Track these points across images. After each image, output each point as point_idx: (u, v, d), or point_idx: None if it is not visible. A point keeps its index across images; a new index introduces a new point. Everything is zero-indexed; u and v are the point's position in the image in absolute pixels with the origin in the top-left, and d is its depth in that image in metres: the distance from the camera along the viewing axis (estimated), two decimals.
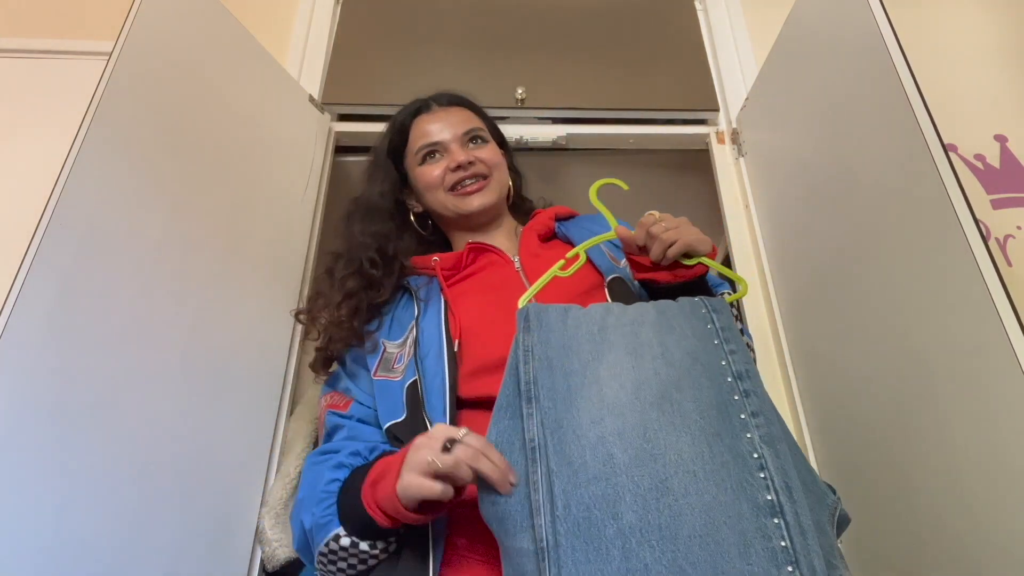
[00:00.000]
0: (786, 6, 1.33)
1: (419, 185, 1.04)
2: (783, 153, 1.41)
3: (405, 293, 0.99)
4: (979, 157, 1.56)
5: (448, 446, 0.65)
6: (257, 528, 1.04)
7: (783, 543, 0.57)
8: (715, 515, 0.58)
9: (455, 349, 0.86)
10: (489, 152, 1.03)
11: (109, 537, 0.82)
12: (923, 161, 0.90)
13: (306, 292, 1.24)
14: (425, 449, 0.66)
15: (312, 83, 1.61)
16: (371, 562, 0.77)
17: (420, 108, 1.07)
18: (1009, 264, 1.43)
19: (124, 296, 0.92)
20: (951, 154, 0.88)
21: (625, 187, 0.91)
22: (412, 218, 1.08)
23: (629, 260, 0.89)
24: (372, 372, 0.92)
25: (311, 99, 1.52)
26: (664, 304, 0.76)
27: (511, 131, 1.60)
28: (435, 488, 0.64)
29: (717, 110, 1.68)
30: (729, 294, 0.92)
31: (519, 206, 1.16)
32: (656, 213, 0.85)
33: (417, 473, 0.65)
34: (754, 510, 0.59)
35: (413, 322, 0.92)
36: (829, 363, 1.22)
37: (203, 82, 1.16)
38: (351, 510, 0.75)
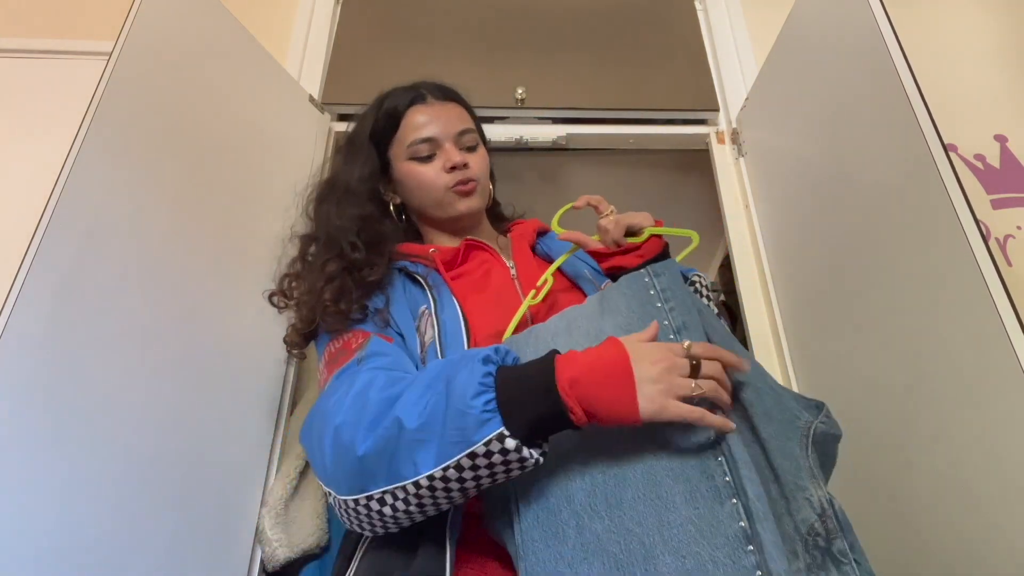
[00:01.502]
0: (786, 6, 1.33)
1: (407, 179, 1.00)
2: (783, 153, 1.41)
3: (401, 275, 0.94)
4: (979, 157, 1.56)
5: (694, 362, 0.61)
6: (257, 528, 1.04)
7: (726, 478, 0.59)
8: (656, 470, 0.60)
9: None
10: (479, 159, 1.02)
11: (109, 537, 0.82)
12: (923, 161, 0.90)
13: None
14: (675, 372, 0.61)
15: (312, 83, 1.61)
16: (513, 473, 0.63)
17: (415, 98, 1.01)
18: (1009, 264, 1.43)
19: (124, 296, 0.92)
20: (951, 154, 0.88)
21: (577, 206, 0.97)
22: (391, 208, 1.03)
23: (592, 256, 0.95)
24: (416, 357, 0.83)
25: (311, 99, 1.52)
26: (608, 290, 0.78)
27: (511, 131, 1.60)
28: (697, 414, 0.60)
29: (717, 110, 1.68)
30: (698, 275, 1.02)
31: (492, 210, 1.15)
32: (596, 198, 0.94)
33: (675, 397, 0.60)
34: (697, 453, 0.61)
35: (426, 309, 0.86)
36: (829, 363, 1.22)
37: (203, 82, 1.16)
38: (526, 406, 0.61)
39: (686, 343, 0.64)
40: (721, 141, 1.65)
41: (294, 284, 0.95)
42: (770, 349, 1.40)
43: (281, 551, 1.00)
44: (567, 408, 0.60)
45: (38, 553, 0.74)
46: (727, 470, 0.60)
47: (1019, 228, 1.48)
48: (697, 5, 1.84)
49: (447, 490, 0.63)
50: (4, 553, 0.70)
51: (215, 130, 1.17)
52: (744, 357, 0.68)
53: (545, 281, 0.88)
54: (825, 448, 0.68)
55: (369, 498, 0.66)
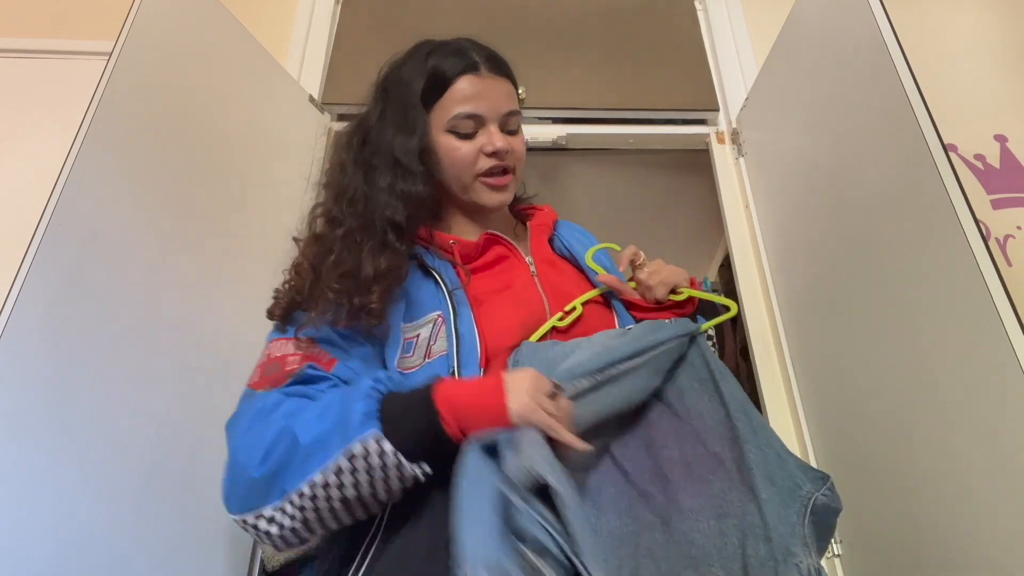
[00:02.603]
0: (786, 6, 1.33)
1: (440, 151, 0.89)
2: (783, 153, 1.41)
3: (414, 266, 0.87)
4: (979, 157, 1.56)
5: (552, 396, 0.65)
6: None
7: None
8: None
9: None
10: (520, 144, 0.92)
11: (109, 536, 0.82)
12: (923, 161, 0.90)
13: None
14: (539, 392, 0.65)
15: (312, 83, 1.61)
16: (383, 482, 0.63)
17: (468, 66, 0.88)
18: (1009, 264, 1.43)
19: (124, 296, 0.92)
20: (951, 154, 0.88)
21: (618, 248, 0.94)
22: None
23: (626, 305, 0.91)
24: (392, 363, 0.79)
25: (311, 99, 1.52)
26: (641, 332, 0.79)
27: None
28: (554, 425, 0.63)
29: (717, 110, 1.68)
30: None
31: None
32: (634, 250, 0.89)
33: (538, 407, 0.63)
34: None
35: (441, 316, 0.80)
36: (829, 363, 1.22)
37: (203, 82, 1.16)
38: (404, 417, 0.64)
39: (554, 385, 0.67)
40: (721, 141, 1.65)
41: (324, 260, 0.81)
42: (770, 349, 1.40)
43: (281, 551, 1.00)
44: (439, 415, 0.63)
45: (38, 553, 0.74)
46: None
47: (1019, 228, 1.48)
48: (697, 5, 1.84)
49: (328, 500, 0.64)
50: (5, 553, 0.70)
51: (215, 130, 1.17)
52: (758, 422, 0.70)
53: (574, 308, 0.85)
54: (824, 520, 0.69)
55: (258, 517, 0.66)
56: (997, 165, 1.56)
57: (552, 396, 0.66)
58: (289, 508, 0.65)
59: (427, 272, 0.86)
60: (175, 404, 0.97)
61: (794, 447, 1.30)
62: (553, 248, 1.00)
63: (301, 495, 0.64)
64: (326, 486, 0.63)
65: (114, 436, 0.86)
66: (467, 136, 0.88)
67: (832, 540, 1.15)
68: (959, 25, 1.75)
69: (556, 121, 1.66)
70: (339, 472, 0.62)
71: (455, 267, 0.88)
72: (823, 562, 1.16)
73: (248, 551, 1.03)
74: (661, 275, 0.87)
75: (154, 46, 1.04)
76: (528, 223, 1.01)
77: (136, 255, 0.95)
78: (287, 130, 1.41)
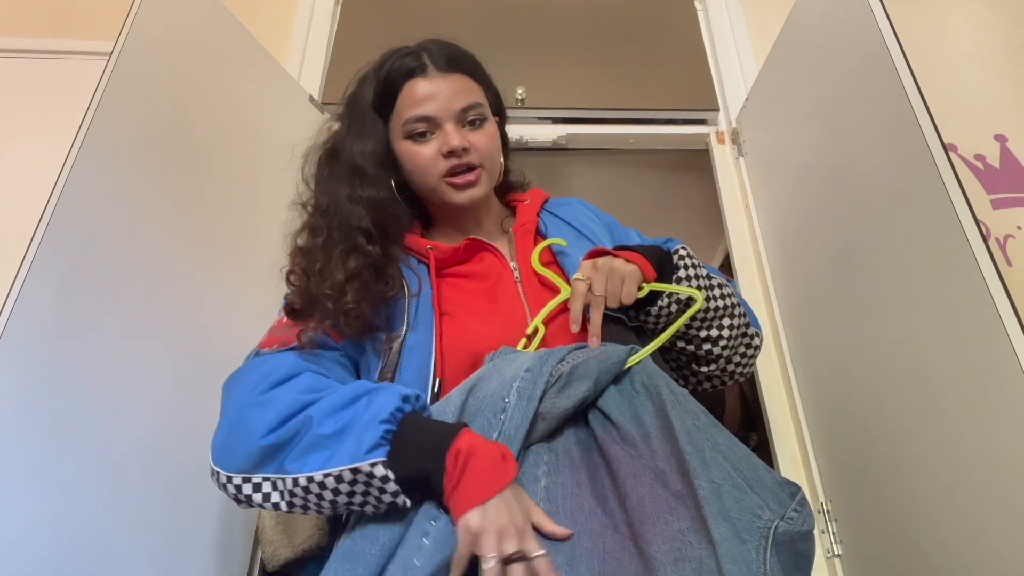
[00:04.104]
0: (786, 6, 1.33)
1: (403, 159, 0.90)
2: (783, 153, 1.41)
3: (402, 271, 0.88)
4: (979, 157, 1.56)
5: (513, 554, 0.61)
6: (257, 528, 1.04)
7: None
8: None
9: (436, 389, 0.77)
10: (485, 137, 0.89)
11: (109, 536, 0.82)
12: (923, 161, 0.90)
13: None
14: (508, 531, 0.61)
15: (312, 83, 1.61)
16: (374, 505, 0.65)
17: (415, 69, 0.89)
18: (1009, 264, 1.43)
19: (124, 296, 0.92)
20: (951, 154, 0.88)
21: (564, 243, 0.90)
22: (393, 187, 0.92)
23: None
24: (375, 376, 0.80)
25: (311, 99, 1.52)
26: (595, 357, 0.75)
27: (511, 131, 1.59)
28: (464, 558, 0.61)
29: (717, 110, 1.68)
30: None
31: (503, 181, 1.03)
32: (580, 277, 0.81)
33: (492, 535, 0.60)
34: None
35: (404, 327, 0.82)
36: (829, 363, 1.22)
37: (203, 82, 1.16)
38: (415, 450, 0.64)
39: (529, 544, 0.61)
40: (721, 141, 1.65)
41: (310, 269, 0.84)
42: (770, 349, 1.40)
43: (281, 551, 1.00)
44: (445, 472, 0.63)
45: (38, 552, 0.74)
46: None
47: (1019, 228, 1.48)
48: (697, 5, 1.84)
49: (319, 497, 0.65)
50: (4, 552, 0.70)
51: (215, 130, 1.17)
52: (711, 452, 0.66)
53: (536, 329, 0.80)
54: (794, 548, 0.62)
55: (246, 480, 0.68)
56: (997, 165, 1.56)
57: (521, 554, 0.60)
58: (280, 485, 0.67)
59: (404, 282, 0.86)
60: (175, 403, 0.97)
61: (794, 447, 1.30)
62: (541, 238, 0.95)
63: (295, 482, 0.65)
64: (322, 485, 0.65)
65: (114, 435, 0.86)
66: (424, 140, 0.88)
67: (832, 540, 1.15)
68: (959, 25, 1.75)
69: (556, 121, 1.66)
70: (339, 479, 0.64)
71: (423, 265, 0.88)
72: (825, 562, 1.16)
73: (248, 551, 1.03)
74: (613, 295, 0.79)
75: (154, 46, 1.04)
76: (513, 228, 0.97)
77: (136, 255, 0.95)
78: (287, 130, 1.41)
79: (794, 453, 1.29)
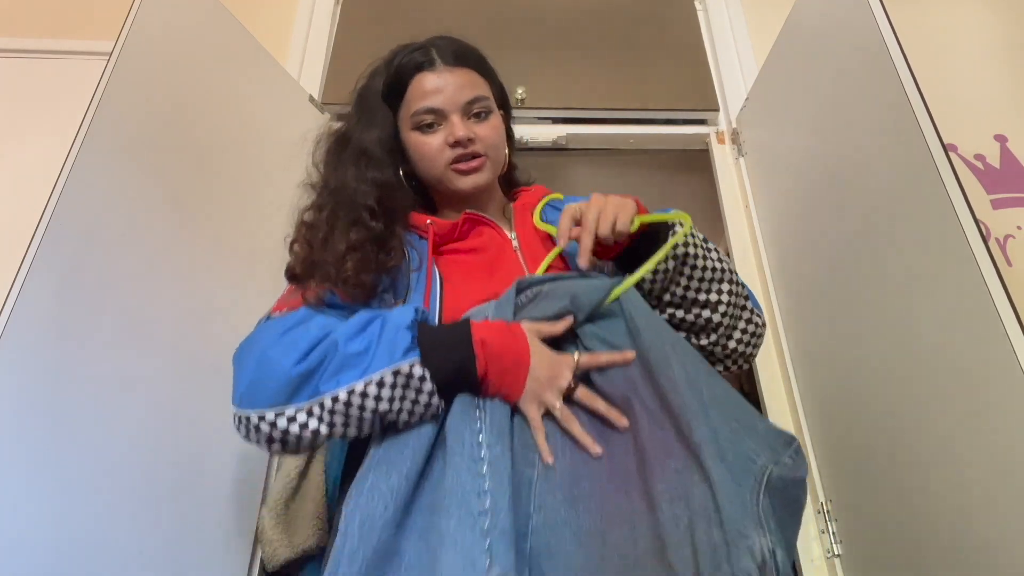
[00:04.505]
0: (786, 6, 1.33)
1: (411, 149, 0.95)
2: (783, 153, 1.41)
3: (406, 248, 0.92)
4: (979, 157, 1.56)
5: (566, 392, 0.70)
6: (257, 528, 1.04)
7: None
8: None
9: None
10: (489, 129, 0.95)
11: (109, 537, 0.82)
12: (923, 161, 0.90)
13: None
14: (555, 384, 0.70)
15: (312, 83, 1.61)
16: (410, 409, 0.69)
17: (424, 63, 0.95)
18: (1009, 264, 1.43)
19: (124, 296, 0.92)
20: (951, 154, 0.88)
21: (560, 197, 0.93)
22: (401, 175, 0.97)
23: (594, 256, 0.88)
24: None
25: (311, 99, 1.52)
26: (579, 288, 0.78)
27: None
28: (541, 429, 0.68)
29: (717, 110, 1.68)
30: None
31: (508, 176, 1.09)
32: (572, 208, 0.84)
33: (541, 403, 0.69)
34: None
35: (405, 283, 0.87)
36: (829, 363, 1.22)
37: (203, 82, 1.16)
38: (440, 346, 0.70)
39: (576, 356, 0.71)
40: (721, 141, 1.65)
41: (313, 237, 0.88)
42: (770, 349, 1.40)
43: (281, 551, 1.00)
44: (475, 357, 0.69)
45: (38, 552, 0.74)
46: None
47: (1019, 228, 1.48)
48: (697, 5, 1.84)
49: (360, 409, 0.68)
50: (4, 552, 0.70)
51: (215, 130, 1.17)
52: (709, 396, 0.69)
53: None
54: (786, 493, 0.64)
55: (279, 414, 0.69)
56: (997, 165, 1.56)
57: (568, 391, 0.70)
58: (317, 410, 0.69)
59: (406, 252, 0.90)
60: (175, 403, 0.97)
61: None
62: (543, 219, 0.98)
63: (335, 399, 0.68)
64: (364, 395, 0.68)
65: (114, 435, 0.86)
66: (431, 131, 0.93)
67: (832, 540, 1.15)
68: (959, 25, 1.75)
69: (556, 121, 1.66)
70: (380, 384, 0.68)
71: (424, 240, 0.91)
72: (825, 562, 1.16)
73: (248, 551, 1.03)
74: (603, 219, 0.82)
75: (154, 46, 1.04)
76: (514, 204, 1.02)
77: (136, 255, 0.95)
78: (287, 130, 1.41)
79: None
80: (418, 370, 0.68)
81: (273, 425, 0.69)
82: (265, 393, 0.70)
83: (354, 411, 0.68)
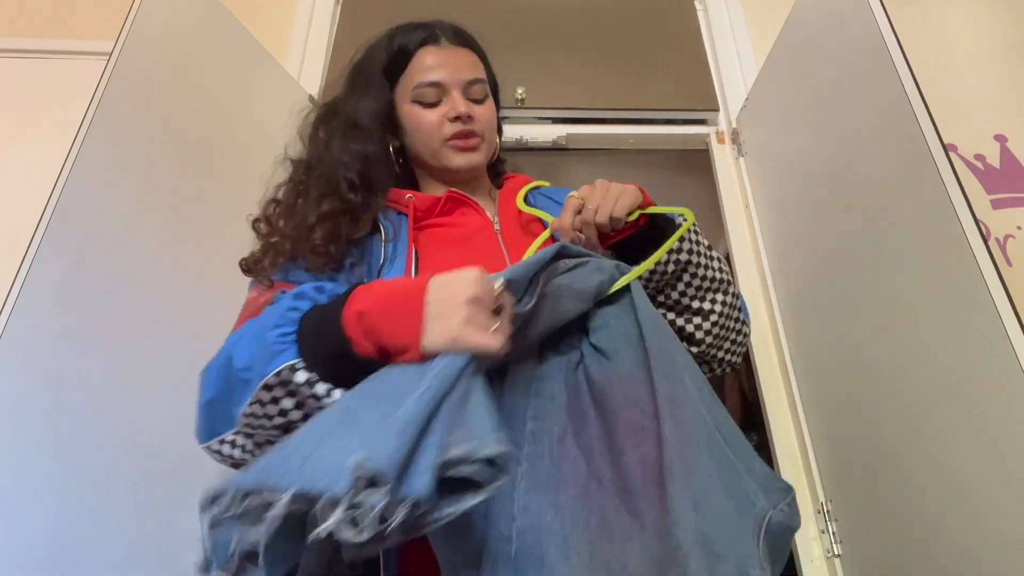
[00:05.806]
0: (786, 6, 1.33)
1: (407, 122, 0.95)
2: (783, 153, 1.41)
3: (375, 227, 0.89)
4: (979, 157, 1.56)
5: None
6: None
7: None
8: None
9: None
10: (486, 111, 0.96)
11: (109, 536, 0.82)
12: (923, 161, 0.90)
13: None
14: (478, 305, 0.56)
15: (312, 83, 1.61)
16: (309, 411, 0.60)
17: (428, 38, 0.96)
18: (1009, 264, 1.43)
19: (124, 296, 0.92)
20: (951, 154, 0.88)
21: (547, 184, 0.91)
22: (390, 149, 0.95)
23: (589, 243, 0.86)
24: None
25: (311, 99, 1.52)
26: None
27: (511, 131, 1.60)
28: (493, 344, 0.55)
29: (717, 110, 1.68)
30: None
31: (494, 166, 1.08)
32: (575, 195, 0.82)
33: (477, 327, 0.55)
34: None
35: (379, 266, 0.83)
36: (829, 363, 1.22)
37: (203, 82, 1.16)
38: (316, 339, 0.59)
39: (499, 280, 0.60)
40: (721, 141, 1.65)
41: (280, 214, 0.86)
42: (770, 349, 1.40)
43: None
44: (349, 340, 0.57)
45: (39, 552, 0.74)
46: None
47: (1019, 228, 1.48)
48: (697, 5, 1.84)
49: (263, 427, 0.62)
50: (5, 551, 0.70)
51: (215, 130, 1.17)
52: (715, 419, 0.65)
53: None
54: (780, 540, 0.62)
55: (221, 443, 0.67)
56: (997, 165, 1.56)
57: (497, 307, 0.59)
58: (240, 437, 0.65)
59: (380, 231, 0.86)
60: (175, 403, 0.97)
61: (794, 447, 1.30)
62: (527, 204, 0.97)
63: (244, 422, 0.62)
64: (254, 416, 0.61)
65: (115, 433, 0.86)
66: (431, 105, 0.92)
67: (832, 540, 1.15)
68: (959, 25, 1.75)
69: (556, 121, 1.66)
70: (260, 403, 0.60)
71: (404, 217, 0.89)
72: (825, 562, 1.16)
73: None
74: (602, 208, 0.79)
75: (154, 46, 1.04)
76: (500, 189, 1.01)
77: (136, 254, 0.95)
78: (287, 130, 1.41)
79: (794, 453, 1.29)
80: (286, 375, 0.58)
81: (220, 452, 0.67)
82: (201, 428, 0.68)
83: (262, 431, 0.62)
